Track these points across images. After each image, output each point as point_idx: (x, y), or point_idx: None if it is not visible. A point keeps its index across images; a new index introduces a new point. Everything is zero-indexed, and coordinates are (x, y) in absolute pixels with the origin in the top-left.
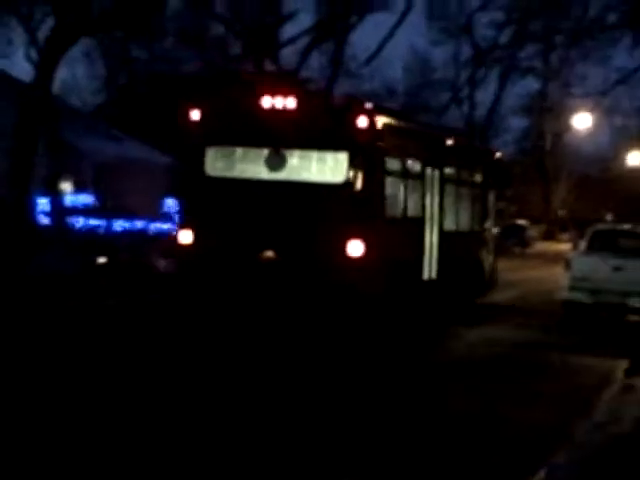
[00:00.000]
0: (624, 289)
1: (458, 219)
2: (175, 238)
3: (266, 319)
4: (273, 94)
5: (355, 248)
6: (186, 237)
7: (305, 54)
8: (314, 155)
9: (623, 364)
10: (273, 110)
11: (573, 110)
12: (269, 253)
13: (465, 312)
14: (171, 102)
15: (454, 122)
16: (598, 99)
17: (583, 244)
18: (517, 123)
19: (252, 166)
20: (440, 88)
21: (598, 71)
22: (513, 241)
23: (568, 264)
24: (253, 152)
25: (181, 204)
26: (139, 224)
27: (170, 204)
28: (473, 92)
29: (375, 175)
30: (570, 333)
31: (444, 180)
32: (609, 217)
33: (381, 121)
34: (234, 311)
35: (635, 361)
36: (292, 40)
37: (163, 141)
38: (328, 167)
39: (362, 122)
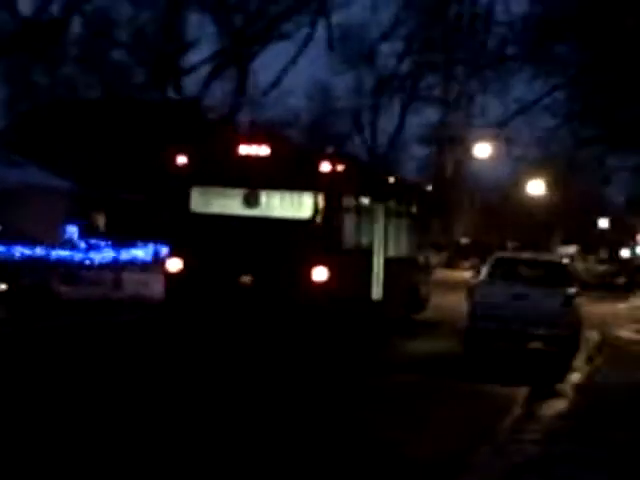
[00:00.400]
0: (525, 317)
1: (399, 247)
2: (164, 266)
3: (244, 333)
4: (249, 142)
5: (319, 274)
6: (175, 265)
7: (207, 82)
8: (284, 195)
9: (524, 391)
10: (249, 156)
11: (474, 140)
12: (246, 278)
13: (403, 327)
14: (72, 128)
15: (356, 150)
16: (498, 129)
17: (485, 272)
18: (420, 151)
19: (231, 203)
20: (343, 116)
21: (498, 102)
22: None
23: (470, 292)
24: (232, 191)
25: (169, 236)
26: (40, 251)
27: (72, 231)
28: (375, 120)
29: (335, 212)
30: (474, 360)
31: (387, 214)
32: (510, 244)
33: (340, 166)
34: (217, 328)
35: (535, 388)
36: (194, 68)
37: (64, 167)
38: (295, 205)
39: (325, 167)
